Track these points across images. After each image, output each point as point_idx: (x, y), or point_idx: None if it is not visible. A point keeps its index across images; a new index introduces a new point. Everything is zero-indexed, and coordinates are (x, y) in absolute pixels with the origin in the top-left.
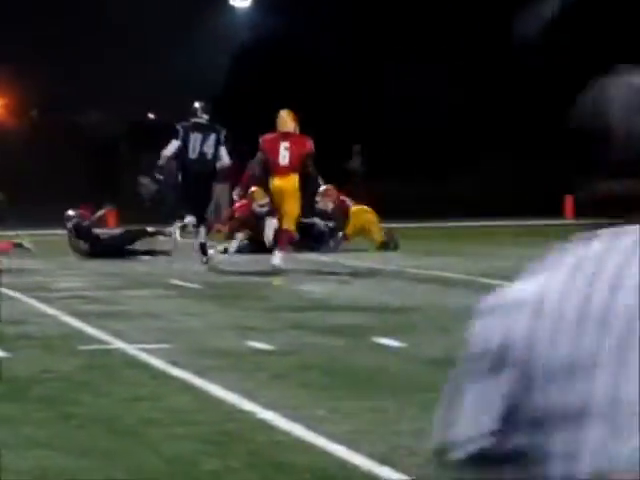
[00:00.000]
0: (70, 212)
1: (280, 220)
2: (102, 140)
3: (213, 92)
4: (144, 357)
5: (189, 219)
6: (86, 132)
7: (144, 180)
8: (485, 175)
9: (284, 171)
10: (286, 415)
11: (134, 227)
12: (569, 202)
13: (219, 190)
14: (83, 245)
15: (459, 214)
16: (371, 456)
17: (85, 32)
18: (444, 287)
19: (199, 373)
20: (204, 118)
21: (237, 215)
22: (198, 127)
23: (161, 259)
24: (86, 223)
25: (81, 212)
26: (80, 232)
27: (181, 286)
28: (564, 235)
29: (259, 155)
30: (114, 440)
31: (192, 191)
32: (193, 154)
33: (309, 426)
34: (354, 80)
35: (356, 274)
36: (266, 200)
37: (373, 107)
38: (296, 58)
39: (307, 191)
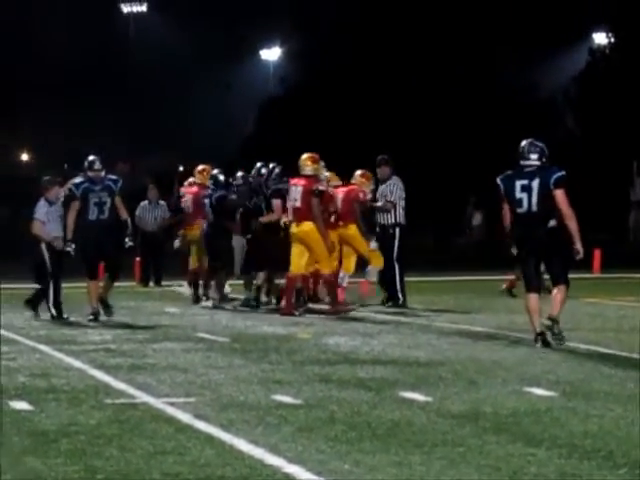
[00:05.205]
0: None
1: None
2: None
3: (242, 138)
4: (170, 411)
5: None
6: None
7: None
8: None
9: None
10: (311, 469)
11: None
12: (597, 256)
13: None
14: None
15: (482, 267)
16: None
17: (116, 77)
18: (472, 341)
19: (224, 427)
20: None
21: None
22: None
23: (188, 312)
24: None
25: None
26: None
27: (208, 339)
28: (591, 289)
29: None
30: None
31: None
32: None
33: None
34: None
35: (383, 327)
36: None
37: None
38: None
39: None
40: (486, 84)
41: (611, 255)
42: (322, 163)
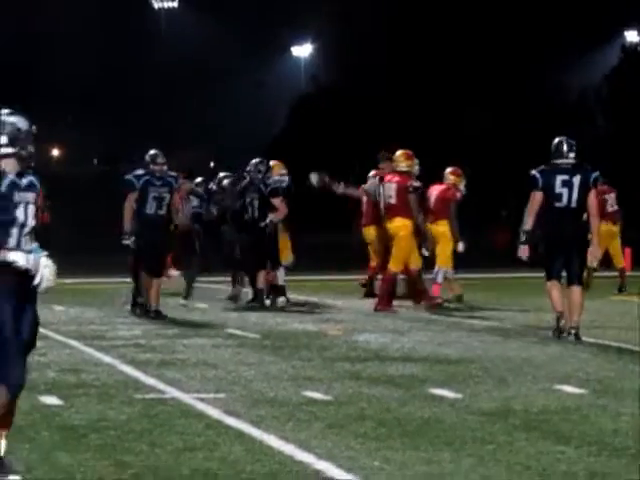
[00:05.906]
0: None
1: None
2: None
3: (273, 135)
4: (200, 406)
5: None
6: None
7: None
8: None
9: None
10: (341, 466)
11: None
12: (627, 254)
13: None
14: None
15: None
16: None
17: (146, 81)
18: (502, 338)
19: (254, 423)
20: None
21: None
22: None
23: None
24: None
25: None
26: None
27: (238, 335)
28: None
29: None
30: None
31: None
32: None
33: (364, 477)
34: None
35: (413, 324)
36: None
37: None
38: (349, 104)
39: None
40: (522, 84)
41: None
42: (416, 160)
